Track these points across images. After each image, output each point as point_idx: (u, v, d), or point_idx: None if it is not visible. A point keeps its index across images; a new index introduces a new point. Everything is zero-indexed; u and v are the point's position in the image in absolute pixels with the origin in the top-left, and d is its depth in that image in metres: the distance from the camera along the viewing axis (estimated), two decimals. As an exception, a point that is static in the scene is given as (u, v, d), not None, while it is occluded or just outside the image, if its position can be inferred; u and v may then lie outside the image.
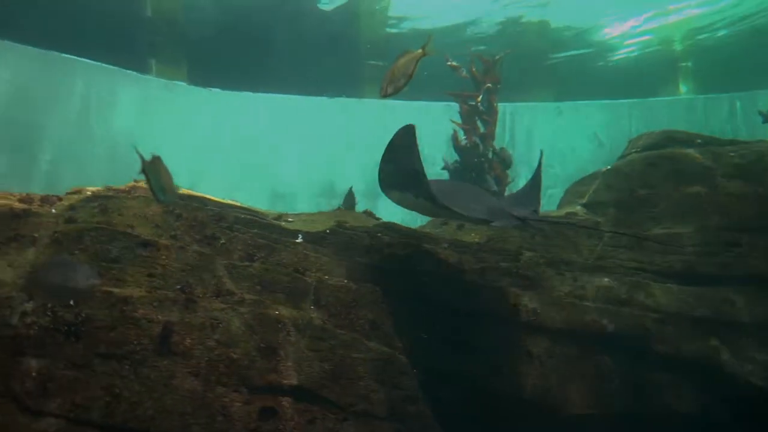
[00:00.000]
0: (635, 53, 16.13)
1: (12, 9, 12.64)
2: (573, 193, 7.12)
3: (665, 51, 15.94)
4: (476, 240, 6.24)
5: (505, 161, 9.32)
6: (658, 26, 14.76)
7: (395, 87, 4.24)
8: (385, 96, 4.31)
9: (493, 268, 5.90)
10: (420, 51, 4.20)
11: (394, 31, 14.69)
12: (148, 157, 3.95)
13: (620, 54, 16.23)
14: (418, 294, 5.41)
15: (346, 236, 5.72)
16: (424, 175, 4.61)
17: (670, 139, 6.79)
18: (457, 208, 4.88)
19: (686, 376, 5.64)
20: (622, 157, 7.04)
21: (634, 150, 6.90)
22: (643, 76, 17.18)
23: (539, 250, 6.16)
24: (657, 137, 6.83)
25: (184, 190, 5.64)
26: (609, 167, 6.99)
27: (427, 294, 5.44)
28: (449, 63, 9.58)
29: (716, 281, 5.94)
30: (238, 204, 5.94)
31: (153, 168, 3.94)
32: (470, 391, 5.24)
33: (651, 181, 6.46)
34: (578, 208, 6.68)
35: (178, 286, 4.67)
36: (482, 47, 14.43)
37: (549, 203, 7.80)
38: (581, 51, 15.91)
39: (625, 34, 15.22)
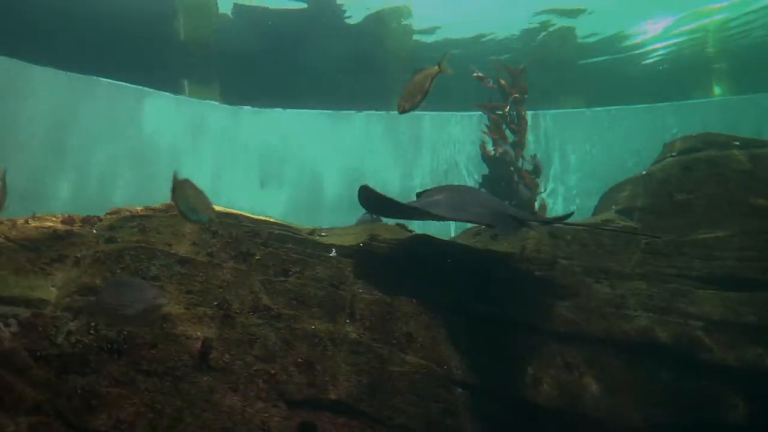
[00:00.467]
0: (668, 56, 15.87)
1: (54, 37, 13.13)
2: (608, 199, 7.02)
3: (698, 53, 15.65)
4: (510, 250, 6.18)
5: (536, 169, 9.25)
6: (690, 28, 14.51)
7: (412, 103, 4.36)
8: (403, 112, 4.41)
9: (528, 278, 5.83)
10: (436, 68, 4.31)
11: (422, 41, 14.75)
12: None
13: (652, 57, 16.00)
14: (454, 305, 5.38)
15: (380, 249, 5.73)
16: (401, 204, 5.22)
17: (707, 142, 6.65)
18: (458, 214, 5.16)
19: (733, 386, 5.47)
20: (658, 161, 6.91)
21: (669, 154, 6.77)
22: (676, 79, 16.89)
23: (575, 258, 6.07)
24: (694, 140, 6.70)
25: (218, 208, 5.74)
26: (644, 172, 6.87)
27: (463, 305, 5.39)
28: (475, 75, 9.59)
29: (760, 286, 5.77)
30: (272, 220, 6.02)
31: (180, 189, 3.99)
32: (509, 403, 5.17)
33: (689, 185, 6.33)
34: (614, 214, 6.57)
35: (216, 303, 4.74)
36: (507, 55, 14.40)
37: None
38: (612, 56, 15.73)
39: (657, 36, 14.99)
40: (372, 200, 5.24)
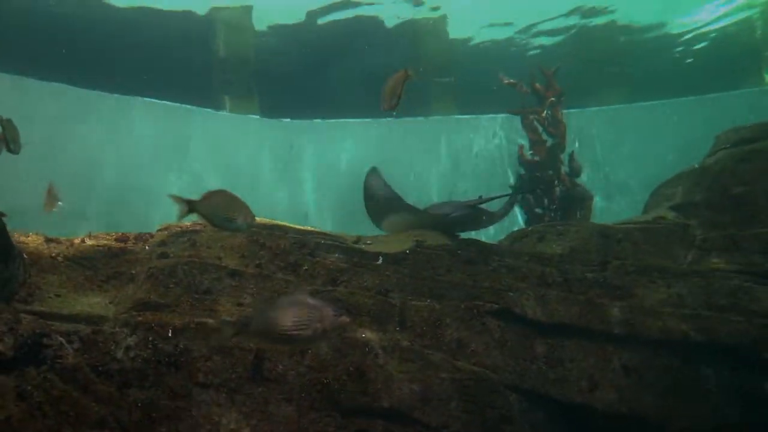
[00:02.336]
0: (712, 44, 15.38)
1: (106, 63, 13.63)
2: (659, 195, 6.83)
3: (746, 39, 15.11)
4: (558, 251, 6.07)
5: (574, 171, 9.07)
6: (737, 7, 13.90)
7: (389, 105, 4.68)
8: (385, 110, 4.74)
9: (578, 279, 5.71)
10: (403, 72, 4.62)
11: (457, 45, 14.71)
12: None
13: (696, 46, 15.53)
14: (504, 310, 5.30)
15: (426, 255, 5.71)
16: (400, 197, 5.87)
17: (762, 131, 6.40)
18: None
19: (801, 386, 5.22)
20: (711, 154, 6.69)
21: (722, 146, 6.54)
22: (723, 69, 16.34)
23: (628, 258, 5.91)
24: (748, 131, 6.45)
25: (265, 220, 5.82)
26: (696, 166, 6.66)
27: (514, 309, 5.31)
28: (506, 81, 9.46)
29: (826, 281, 5.51)
30: (317, 230, 6.06)
31: (207, 200, 4.02)
32: (565, 408, 5.05)
33: (745, 177, 6.09)
34: (666, 211, 6.38)
35: (267, 314, 4.79)
36: (544, 54, 14.21)
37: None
38: (653, 48, 15.34)
39: (701, 24, 14.54)
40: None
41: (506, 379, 4.96)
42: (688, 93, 17.79)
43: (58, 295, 4.70)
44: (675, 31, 14.81)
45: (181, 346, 4.38)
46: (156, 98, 16.33)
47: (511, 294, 5.40)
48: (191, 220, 5.79)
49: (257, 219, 5.43)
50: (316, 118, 18.29)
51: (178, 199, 4.02)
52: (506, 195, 7.21)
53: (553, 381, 5.08)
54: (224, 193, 4.10)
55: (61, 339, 4.17)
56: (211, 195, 4.07)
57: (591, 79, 15.72)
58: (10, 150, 4.82)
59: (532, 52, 14.82)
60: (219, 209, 4.08)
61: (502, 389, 4.89)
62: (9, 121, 4.86)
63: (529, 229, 6.84)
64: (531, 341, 5.21)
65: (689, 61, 16.11)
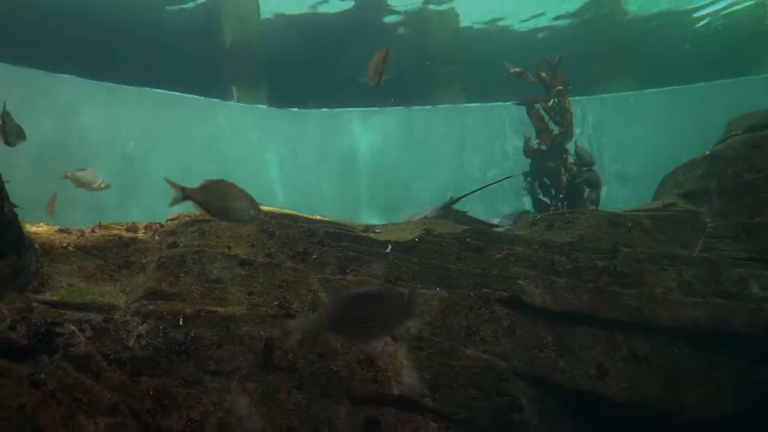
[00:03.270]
0: (723, 28, 15.18)
1: (111, 53, 13.64)
2: (670, 182, 6.78)
3: (758, 23, 14.92)
4: (567, 239, 6.05)
5: (583, 160, 9.01)
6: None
7: (374, 82, 5.06)
8: (371, 88, 5.12)
9: (588, 267, 5.69)
10: (384, 51, 4.98)
11: (465, 33, 14.61)
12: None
13: (707, 30, 15.33)
14: (513, 298, 5.29)
15: (435, 243, 5.70)
16: None
17: (777, 117, 6.32)
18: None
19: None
20: (722, 140, 6.62)
21: (734, 132, 6.47)
22: (734, 54, 16.15)
23: (638, 245, 5.88)
24: (760, 117, 6.37)
25: (273, 209, 5.83)
26: (707, 152, 6.60)
27: (523, 297, 5.30)
28: (512, 70, 9.38)
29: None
30: (327, 219, 6.06)
31: (200, 194, 4.02)
32: (576, 396, 5.05)
33: (758, 163, 6.03)
34: (677, 198, 6.34)
35: (277, 302, 4.81)
36: (551, 38, 14.09)
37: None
38: (664, 32, 15.17)
39: (711, 7, 14.35)
40: None
41: (515, 366, 4.96)
42: (699, 79, 17.61)
43: (69, 285, 4.73)
44: (686, 12, 14.64)
45: (192, 335, 4.40)
46: (163, 89, 16.33)
47: (521, 282, 5.39)
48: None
49: (266, 208, 5.46)
50: (323, 107, 18.25)
51: (174, 185, 4.02)
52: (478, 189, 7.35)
53: (562, 368, 5.08)
54: (223, 183, 4.09)
55: (73, 327, 4.20)
56: (208, 184, 4.06)
57: (599, 66, 15.59)
58: (7, 143, 4.89)
59: (540, 35, 14.70)
60: (214, 198, 4.06)
61: (511, 377, 4.89)
62: (8, 114, 4.92)
63: (538, 217, 6.82)
64: (540, 329, 5.20)
65: (699, 45, 15.94)
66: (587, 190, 8.82)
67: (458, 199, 6.88)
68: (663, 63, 16.50)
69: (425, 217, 6.55)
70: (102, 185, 6.21)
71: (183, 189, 4.00)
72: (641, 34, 15.07)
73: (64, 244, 5.10)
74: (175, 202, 4.03)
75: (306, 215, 5.94)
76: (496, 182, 8.22)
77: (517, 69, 9.41)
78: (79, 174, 6.13)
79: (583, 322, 5.33)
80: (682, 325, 5.32)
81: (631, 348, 5.28)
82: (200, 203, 4.06)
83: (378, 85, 5.04)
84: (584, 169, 8.91)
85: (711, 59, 16.34)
